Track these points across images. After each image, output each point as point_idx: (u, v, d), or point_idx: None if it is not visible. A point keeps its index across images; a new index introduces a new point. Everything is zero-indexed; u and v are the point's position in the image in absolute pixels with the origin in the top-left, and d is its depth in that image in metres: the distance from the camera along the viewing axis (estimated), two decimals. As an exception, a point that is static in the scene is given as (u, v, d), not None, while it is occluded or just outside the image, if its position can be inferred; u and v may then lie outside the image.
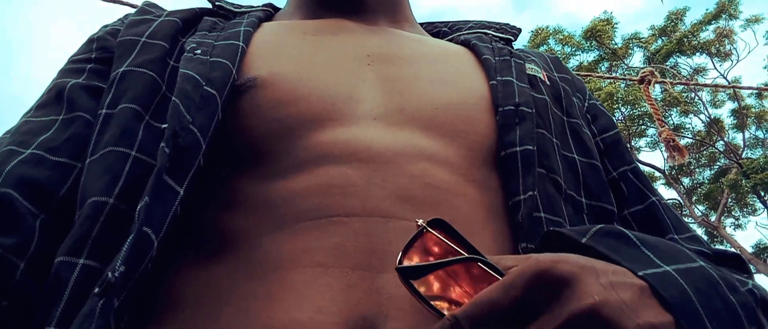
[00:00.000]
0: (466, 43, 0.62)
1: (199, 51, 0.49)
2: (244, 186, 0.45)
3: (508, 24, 0.69)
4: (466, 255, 0.37)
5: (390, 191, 0.43)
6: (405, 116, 0.48)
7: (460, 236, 0.37)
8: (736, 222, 13.23)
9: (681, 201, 12.37)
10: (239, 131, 0.47)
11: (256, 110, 0.47)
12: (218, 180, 0.46)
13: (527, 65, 0.57)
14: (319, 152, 0.45)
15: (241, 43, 0.51)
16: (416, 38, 0.61)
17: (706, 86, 12.86)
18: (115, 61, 0.50)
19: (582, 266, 0.35)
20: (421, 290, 0.35)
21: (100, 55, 0.53)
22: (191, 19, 0.57)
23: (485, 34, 0.64)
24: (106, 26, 0.58)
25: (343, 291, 0.38)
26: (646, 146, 13.17)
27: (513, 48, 0.62)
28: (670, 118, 12.77)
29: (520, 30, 0.68)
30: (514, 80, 0.53)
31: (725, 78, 12.74)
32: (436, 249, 0.37)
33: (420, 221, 0.37)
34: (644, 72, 2.15)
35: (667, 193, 12.96)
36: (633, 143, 12.73)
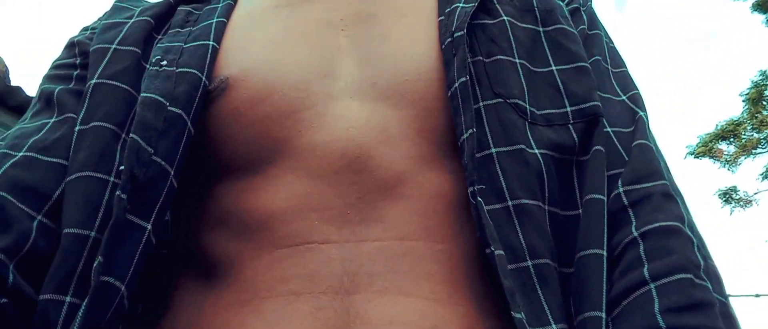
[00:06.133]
0: None
1: (164, 62, 0.47)
2: (228, 203, 0.44)
3: None
4: None
5: (365, 213, 0.42)
6: (378, 91, 0.46)
7: None
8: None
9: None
10: (217, 141, 0.45)
11: (231, 114, 0.45)
12: (204, 196, 0.46)
13: None
14: (297, 162, 0.44)
15: (210, 42, 0.48)
16: None
17: None
18: (89, 70, 0.48)
19: None
20: None
21: (83, 60, 0.51)
22: (165, 12, 0.54)
23: None
24: (86, 29, 0.55)
25: (310, 314, 0.39)
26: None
27: None
28: None
29: None
30: (461, 5, 0.49)
31: None
32: None
33: None
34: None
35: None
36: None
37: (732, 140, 10.27)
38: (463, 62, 0.44)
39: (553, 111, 0.46)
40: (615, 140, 0.46)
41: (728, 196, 10.42)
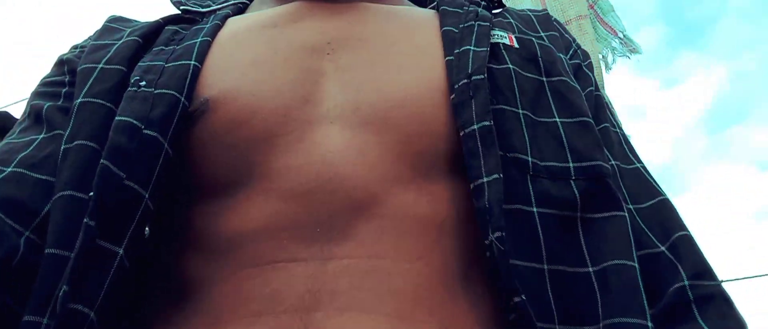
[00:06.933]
0: (437, 9, 0.57)
1: (143, 83, 0.46)
2: (201, 225, 0.44)
3: None
4: None
5: (335, 231, 0.41)
6: (360, 117, 0.45)
7: None
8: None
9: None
10: (193, 163, 0.45)
11: (209, 137, 0.45)
12: (180, 218, 0.45)
13: (493, 31, 0.52)
14: (269, 183, 0.43)
15: (192, 62, 0.48)
16: (384, 12, 0.55)
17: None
18: (75, 90, 0.49)
19: None
20: None
21: (71, 78, 0.52)
22: (153, 31, 0.54)
23: None
24: (76, 47, 0.57)
25: None
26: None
27: (489, 10, 0.57)
28: None
29: None
30: (472, 48, 0.49)
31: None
32: None
33: None
34: None
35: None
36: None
37: None
38: (485, 107, 0.44)
39: (556, 164, 0.45)
40: (637, 217, 0.46)
41: None
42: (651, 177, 0.50)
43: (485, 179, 0.41)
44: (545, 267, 0.41)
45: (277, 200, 0.42)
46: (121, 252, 0.40)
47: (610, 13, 2.08)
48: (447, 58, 0.49)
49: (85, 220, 0.40)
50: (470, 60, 0.47)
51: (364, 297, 0.39)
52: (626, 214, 0.43)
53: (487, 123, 0.43)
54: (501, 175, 0.41)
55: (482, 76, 0.46)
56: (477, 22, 0.52)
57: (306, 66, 0.49)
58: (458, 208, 0.43)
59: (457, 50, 0.49)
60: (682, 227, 0.47)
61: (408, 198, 0.43)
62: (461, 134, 0.44)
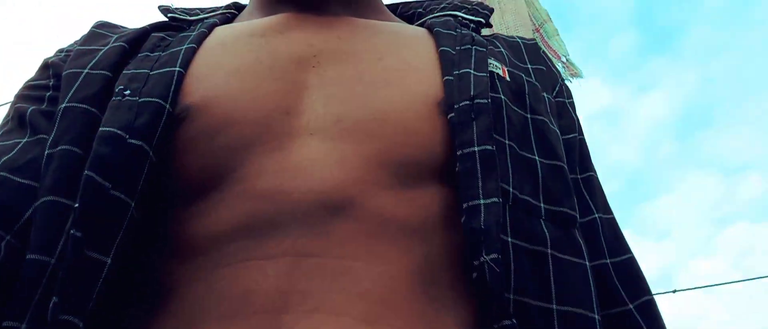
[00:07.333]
0: (430, 29, 0.58)
1: (128, 91, 0.46)
2: (180, 229, 0.44)
3: (480, 4, 0.64)
4: None
5: (309, 227, 0.41)
6: (342, 128, 0.46)
7: None
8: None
9: None
10: (173, 169, 0.45)
11: (190, 143, 0.45)
12: (159, 223, 0.45)
13: (489, 59, 0.53)
14: (244, 186, 0.43)
15: (177, 68, 0.48)
16: (372, 27, 0.56)
17: None
18: (60, 95, 0.48)
19: None
20: None
21: (56, 82, 0.51)
22: (139, 38, 0.54)
23: (454, 16, 0.60)
24: (61, 51, 0.56)
25: None
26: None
27: (479, 34, 0.58)
28: None
29: (492, 10, 0.64)
30: (472, 71, 0.50)
31: None
32: None
33: None
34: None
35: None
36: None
37: None
38: (487, 131, 0.45)
39: (531, 200, 0.46)
40: (612, 271, 0.48)
41: None
42: (620, 231, 0.52)
43: (482, 201, 0.42)
44: (511, 297, 0.41)
45: (251, 200, 0.42)
46: (109, 261, 0.40)
47: (554, 38, 2.17)
48: (446, 77, 0.49)
49: (71, 231, 0.39)
50: (472, 82, 0.48)
51: (334, 299, 0.39)
52: (587, 263, 0.45)
53: (489, 148, 0.44)
54: (500, 200, 0.42)
55: (486, 101, 0.47)
56: (474, 47, 0.53)
57: (290, 77, 0.49)
58: (435, 216, 0.44)
59: (457, 72, 0.49)
60: (649, 290, 0.49)
61: (386, 202, 0.43)
62: (459, 153, 0.44)
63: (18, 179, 0.44)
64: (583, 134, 0.56)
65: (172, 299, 0.42)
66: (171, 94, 0.46)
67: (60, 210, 0.42)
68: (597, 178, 0.54)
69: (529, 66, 0.57)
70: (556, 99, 0.56)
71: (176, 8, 0.61)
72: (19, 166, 0.45)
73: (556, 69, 0.60)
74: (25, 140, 0.47)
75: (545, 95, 0.55)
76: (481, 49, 0.53)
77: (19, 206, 0.43)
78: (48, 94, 0.51)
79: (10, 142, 0.47)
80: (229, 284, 0.40)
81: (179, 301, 0.41)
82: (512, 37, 0.62)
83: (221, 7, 0.63)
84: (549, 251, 0.44)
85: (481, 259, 0.41)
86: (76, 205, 0.41)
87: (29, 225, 0.42)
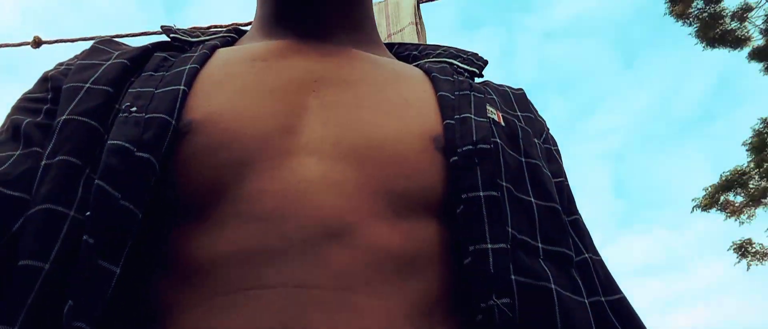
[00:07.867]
0: (427, 73, 0.59)
1: (134, 108, 0.47)
2: (177, 247, 0.44)
3: (475, 54, 0.66)
4: None
5: (308, 256, 0.41)
6: (340, 151, 0.46)
7: None
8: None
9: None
10: (174, 185, 0.45)
11: (191, 158, 0.45)
12: (157, 240, 0.45)
13: (486, 105, 0.55)
14: (242, 207, 0.43)
15: (182, 86, 0.49)
16: (372, 60, 0.58)
17: None
18: (59, 108, 0.48)
19: None
20: None
21: (54, 95, 0.52)
22: (141, 56, 0.55)
23: (450, 64, 0.62)
24: (61, 64, 0.56)
25: None
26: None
27: (474, 81, 0.60)
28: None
29: (486, 62, 0.66)
30: (473, 117, 0.51)
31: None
32: None
33: None
34: None
35: None
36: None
37: (739, 190, 10.15)
38: (492, 176, 0.46)
39: (529, 240, 0.47)
40: (607, 309, 0.48)
41: (744, 250, 10.13)
42: (609, 271, 0.54)
43: (490, 246, 0.43)
44: None
45: (248, 223, 0.42)
46: (118, 271, 0.40)
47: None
48: (446, 121, 0.51)
49: (84, 237, 0.39)
50: (473, 127, 0.50)
51: None
52: (587, 301, 0.46)
53: (495, 194, 0.46)
54: (508, 246, 0.44)
55: (489, 147, 0.48)
56: (472, 93, 0.54)
57: (291, 99, 0.49)
58: (428, 251, 0.44)
59: (458, 116, 0.51)
60: (644, 326, 0.50)
61: (382, 231, 0.43)
62: (464, 196, 0.46)
63: (8, 192, 0.44)
64: (567, 180, 0.58)
65: (165, 322, 0.41)
66: (177, 109, 0.47)
67: (56, 218, 0.41)
68: (583, 221, 0.56)
69: (519, 113, 0.59)
70: (544, 145, 0.58)
71: (178, 29, 0.62)
72: (10, 179, 0.44)
73: (542, 118, 0.63)
74: (18, 153, 0.47)
75: (536, 140, 0.57)
76: (479, 95, 0.55)
77: (8, 219, 0.42)
78: (45, 107, 0.51)
79: (3, 154, 0.47)
80: (228, 314, 0.40)
81: (173, 325, 0.41)
82: (501, 85, 0.64)
83: (222, 30, 0.65)
84: (553, 286, 0.44)
85: (490, 302, 0.41)
86: (88, 213, 0.41)
87: (16, 239, 0.42)
